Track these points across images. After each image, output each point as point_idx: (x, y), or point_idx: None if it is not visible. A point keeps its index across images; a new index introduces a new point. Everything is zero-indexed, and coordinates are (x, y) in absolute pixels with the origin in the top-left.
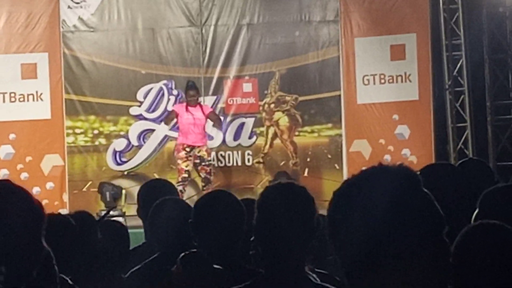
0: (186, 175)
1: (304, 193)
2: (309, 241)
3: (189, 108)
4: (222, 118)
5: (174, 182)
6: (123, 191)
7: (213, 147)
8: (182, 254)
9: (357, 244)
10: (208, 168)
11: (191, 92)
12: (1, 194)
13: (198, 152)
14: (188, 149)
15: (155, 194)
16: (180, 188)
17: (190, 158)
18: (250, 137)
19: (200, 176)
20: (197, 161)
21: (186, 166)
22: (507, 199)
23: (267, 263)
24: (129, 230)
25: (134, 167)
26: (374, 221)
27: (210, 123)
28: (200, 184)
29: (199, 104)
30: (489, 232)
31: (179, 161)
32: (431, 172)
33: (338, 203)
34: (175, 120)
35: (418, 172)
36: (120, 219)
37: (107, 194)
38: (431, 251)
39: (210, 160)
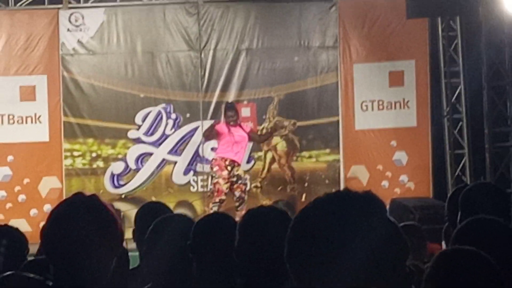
0: (224, 197)
1: (284, 217)
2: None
3: (231, 128)
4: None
5: (172, 206)
6: (121, 214)
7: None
8: None
9: (312, 270)
10: (243, 187)
11: (229, 112)
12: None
13: (237, 171)
14: (229, 168)
15: (151, 217)
16: (215, 209)
17: (231, 179)
18: (248, 162)
19: (234, 195)
20: (234, 179)
21: (227, 188)
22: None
23: (248, 284)
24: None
25: (131, 190)
26: (333, 246)
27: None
28: (234, 203)
29: (239, 124)
30: (462, 258)
31: (220, 180)
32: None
33: (297, 226)
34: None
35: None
36: None
37: None
38: (393, 279)
39: (246, 179)
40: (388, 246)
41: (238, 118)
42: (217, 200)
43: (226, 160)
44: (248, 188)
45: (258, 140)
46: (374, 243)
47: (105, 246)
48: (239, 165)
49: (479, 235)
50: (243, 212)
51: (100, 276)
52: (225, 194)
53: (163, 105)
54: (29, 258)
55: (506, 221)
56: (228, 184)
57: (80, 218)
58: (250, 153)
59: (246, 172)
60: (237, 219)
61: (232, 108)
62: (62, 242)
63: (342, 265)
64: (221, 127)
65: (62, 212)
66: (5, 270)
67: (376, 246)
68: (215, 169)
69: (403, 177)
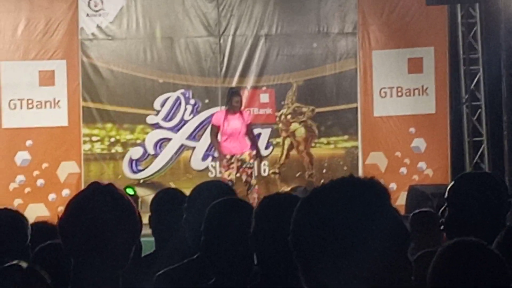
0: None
1: None
2: None
3: (228, 116)
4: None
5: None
6: (139, 199)
7: None
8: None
9: (316, 254)
10: (249, 171)
11: (235, 98)
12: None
13: (240, 156)
14: (228, 157)
15: (166, 204)
16: None
17: (232, 166)
18: (266, 148)
19: (242, 179)
20: (239, 164)
21: (229, 175)
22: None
23: (263, 270)
24: (142, 239)
25: (150, 176)
26: (337, 231)
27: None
28: (245, 189)
29: (240, 112)
30: (465, 250)
31: (222, 170)
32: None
33: (302, 211)
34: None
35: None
36: None
37: None
38: (393, 266)
39: (251, 163)
40: (391, 233)
41: (241, 104)
42: None
43: (224, 154)
44: (255, 171)
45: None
46: (379, 229)
47: (124, 235)
48: (241, 153)
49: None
50: (254, 195)
51: (120, 265)
52: (229, 181)
53: (182, 90)
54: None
55: (496, 210)
56: (229, 171)
57: (99, 207)
58: (269, 139)
59: (258, 157)
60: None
61: (237, 94)
62: (82, 234)
63: (343, 253)
64: (217, 119)
65: (80, 202)
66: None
67: (380, 233)
68: (219, 162)
69: (422, 164)
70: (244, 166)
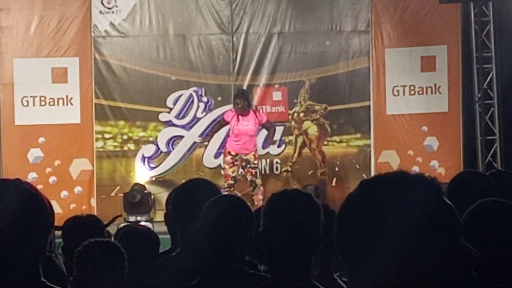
0: (232, 182)
1: (310, 200)
2: (315, 248)
3: (239, 117)
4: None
5: None
6: (152, 197)
7: None
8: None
9: (370, 252)
10: (253, 171)
11: (236, 100)
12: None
13: (245, 155)
14: (233, 153)
15: (194, 196)
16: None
17: (236, 163)
18: (279, 146)
19: (247, 179)
20: (244, 164)
21: (233, 172)
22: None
23: (272, 269)
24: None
25: (162, 173)
26: (392, 227)
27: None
28: (250, 189)
29: (254, 111)
30: (497, 208)
31: (226, 166)
32: (463, 178)
33: (352, 205)
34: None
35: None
36: (149, 224)
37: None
38: (452, 261)
39: (256, 164)
40: (447, 228)
41: (249, 105)
42: (225, 185)
43: (229, 151)
44: (258, 172)
45: (271, 130)
46: (436, 225)
47: (34, 229)
48: (246, 154)
49: (490, 217)
50: (259, 196)
51: (30, 258)
52: (233, 178)
53: (195, 88)
54: None
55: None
56: (234, 168)
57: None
58: (281, 137)
59: (257, 157)
60: (255, 203)
61: (238, 96)
62: None
63: (402, 248)
64: (229, 115)
65: None
66: None
67: (437, 228)
68: (223, 158)
69: (434, 163)
70: (248, 166)
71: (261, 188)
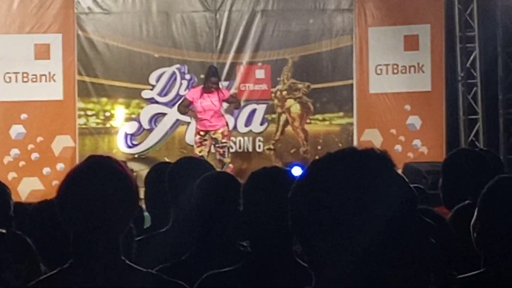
0: None
1: (289, 177)
2: None
3: (204, 94)
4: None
5: None
6: (134, 174)
7: None
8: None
9: (321, 229)
10: (221, 150)
11: (213, 79)
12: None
13: (214, 134)
14: (202, 133)
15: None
16: None
17: (204, 143)
18: (261, 124)
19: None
20: (213, 143)
21: (200, 152)
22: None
23: (254, 246)
24: None
25: (144, 150)
26: (343, 200)
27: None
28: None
29: (217, 89)
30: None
31: (194, 146)
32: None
33: (301, 185)
34: (190, 107)
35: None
36: None
37: None
38: (407, 229)
39: (224, 142)
40: (400, 198)
41: (218, 84)
42: None
43: (198, 129)
44: (226, 151)
45: (236, 103)
46: (387, 196)
47: (123, 207)
48: (215, 130)
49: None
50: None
51: (119, 230)
52: (201, 157)
53: (178, 65)
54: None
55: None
56: (201, 148)
57: (97, 180)
58: (264, 115)
59: (226, 135)
60: None
61: (216, 74)
62: (81, 207)
63: (351, 223)
64: (192, 94)
65: (78, 176)
66: None
67: (389, 199)
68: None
69: (417, 142)
70: (217, 145)
71: (230, 165)
